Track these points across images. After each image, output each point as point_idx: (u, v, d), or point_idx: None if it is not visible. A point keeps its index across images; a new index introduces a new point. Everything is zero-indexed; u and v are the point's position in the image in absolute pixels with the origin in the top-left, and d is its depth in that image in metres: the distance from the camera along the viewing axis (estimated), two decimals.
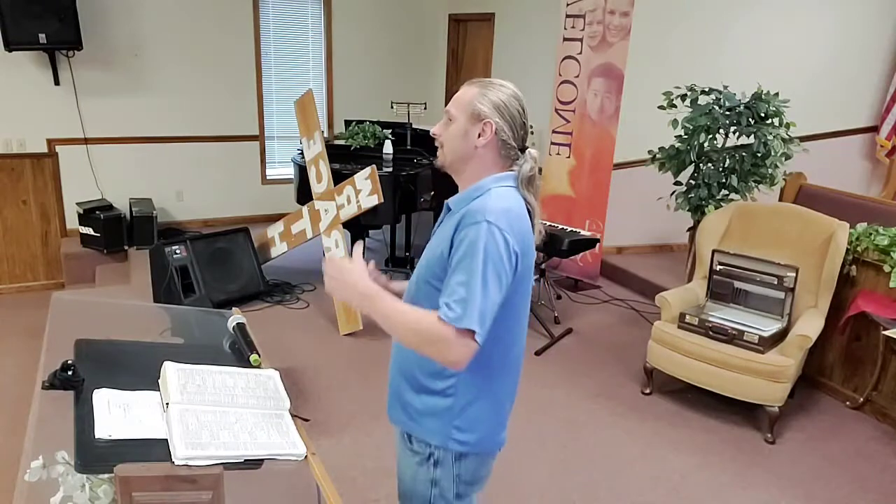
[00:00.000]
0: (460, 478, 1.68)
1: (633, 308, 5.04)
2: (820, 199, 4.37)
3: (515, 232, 1.49)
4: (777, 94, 4.32)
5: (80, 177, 5.76)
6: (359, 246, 1.60)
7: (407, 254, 5.67)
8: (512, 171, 1.59)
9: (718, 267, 3.79)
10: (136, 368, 1.67)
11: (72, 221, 5.75)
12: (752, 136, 4.26)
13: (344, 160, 4.92)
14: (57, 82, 5.50)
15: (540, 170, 1.63)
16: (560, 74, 5.29)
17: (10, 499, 1.40)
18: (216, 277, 4.65)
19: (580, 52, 5.14)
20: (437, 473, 1.67)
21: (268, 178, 6.68)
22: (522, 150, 1.59)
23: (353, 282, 1.51)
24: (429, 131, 1.72)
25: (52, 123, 5.59)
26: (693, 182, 4.53)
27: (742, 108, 4.29)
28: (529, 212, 1.60)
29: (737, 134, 4.38)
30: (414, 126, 5.68)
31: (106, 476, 1.37)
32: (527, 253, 1.54)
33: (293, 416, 1.64)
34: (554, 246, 4.32)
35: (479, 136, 1.55)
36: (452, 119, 1.58)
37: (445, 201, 1.63)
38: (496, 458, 1.79)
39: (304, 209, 4.69)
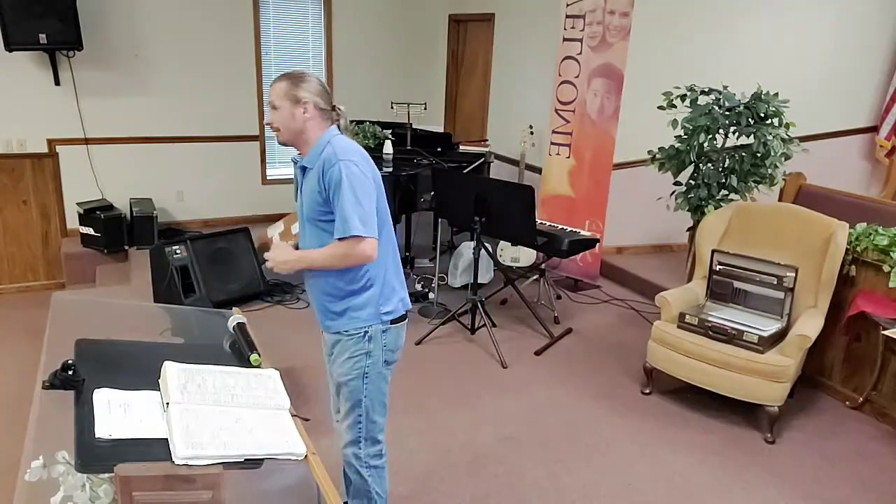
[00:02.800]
0: (386, 346, 2.26)
1: (633, 308, 5.05)
2: (820, 199, 4.37)
3: (360, 159, 2.12)
4: (777, 94, 4.32)
5: (81, 177, 5.77)
6: (274, 229, 2.15)
7: (407, 253, 5.67)
8: (335, 125, 2.21)
9: (718, 267, 3.79)
10: (137, 368, 1.67)
11: (72, 221, 5.75)
12: (752, 136, 4.26)
13: None
14: (57, 82, 5.51)
15: (350, 121, 2.32)
16: (560, 74, 5.29)
17: (10, 499, 1.40)
18: (216, 277, 4.65)
19: (580, 53, 5.14)
20: (369, 346, 2.22)
21: (268, 178, 6.68)
22: (333, 108, 2.20)
23: (286, 256, 2.16)
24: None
25: (52, 123, 5.59)
26: (693, 182, 4.53)
27: (742, 108, 4.29)
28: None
29: (736, 134, 4.38)
30: (414, 126, 5.68)
31: (106, 476, 1.37)
32: (374, 171, 2.18)
33: (293, 415, 1.64)
34: (554, 246, 4.32)
35: (304, 112, 2.12)
36: (278, 107, 2.12)
37: (300, 164, 2.22)
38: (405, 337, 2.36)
39: None
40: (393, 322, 2.26)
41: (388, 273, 2.26)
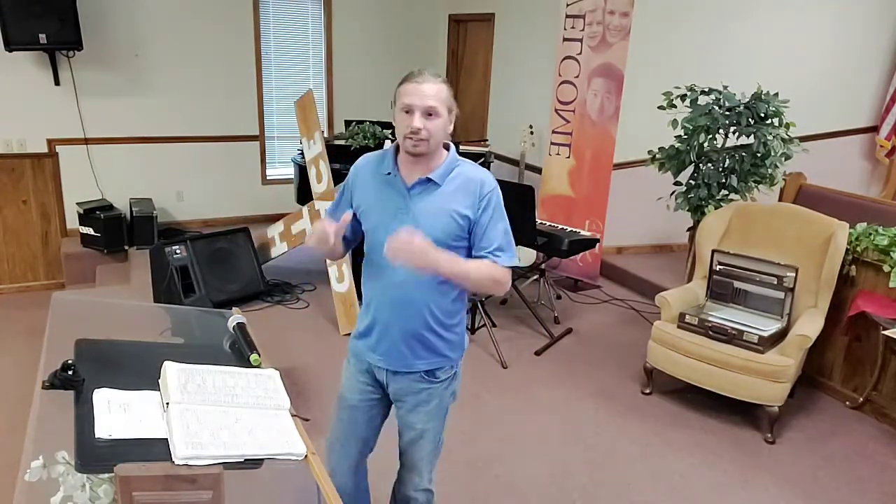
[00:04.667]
0: (459, 376, 2.10)
1: (633, 308, 5.05)
2: (820, 199, 4.37)
3: None
4: (777, 94, 4.32)
5: (81, 177, 5.76)
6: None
7: None
8: (448, 143, 1.94)
9: (718, 267, 3.79)
10: (136, 368, 1.67)
11: (72, 221, 5.75)
12: (752, 136, 4.26)
13: (344, 160, 4.92)
14: (57, 82, 5.50)
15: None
16: (560, 74, 5.29)
17: (10, 499, 1.40)
18: (216, 277, 4.65)
19: (580, 53, 5.14)
20: (455, 385, 2.08)
21: (268, 178, 6.68)
22: None
23: (428, 248, 1.74)
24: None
25: (52, 123, 5.59)
26: (693, 182, 4.53)
27: (742, 108, 4.29)
28: None
29: (736, 134, 4.37)
30: None
31: (106, 476, 1.37)
32: None
33: (293, 415, 1.64)
34: (554, 246, 4.32)
35: (452, 124, 1.89)
36: (436, 114, 1.81)
37: (428, 177, 1.88)
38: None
39: (304, 209, 4.69)
40: None
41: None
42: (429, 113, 1.79)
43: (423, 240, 1.72)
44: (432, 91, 1.80)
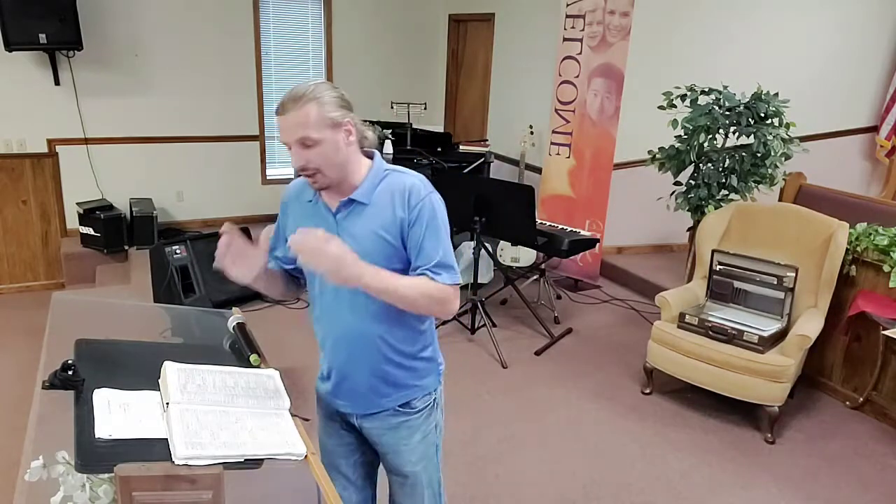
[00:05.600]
0: (440, 405, 1.88)
1: (633, 308, 5.05)
2: (820, 199, 4.37)
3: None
4: (777, 94, 4.32)
5: (81, 177, 5.76)
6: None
7: None
8: (371, 150, 1.71)
9: (718, 267, 3.79)
10: (136, 368, 1.67)
11: (72, 221, 5.75)
12: (752, 136, 4.26)
13: None
14: (57, 82, 5.50)
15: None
16: (560, 74, 5.29)
17: (11, 499, 1.40)
18: (216, 277, 4.62)
19: (580, 53, 5.14)
20: (437, 414, 1.85)
21: (268, 178, 6.67)
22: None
23: (343, 252, 1.53)
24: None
25: (52, 123, 5.59)
26: (693, 182, 4.53)
27: (742, 108, 4.29)
28: None
29: (737, 134, 4.37)
30: (414, 126, 5.68)
31: (106, 476, 1.37)
32: None
33: (293, 415, 1.64)
34: (554, 246, 4.32)
35: (348, 136, 1.61)
36: (313, 142, 1.56)
37: (350, 198, 1.66)
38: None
39: None
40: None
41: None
42: (305, 144, 1.56)
43: (341, 247, 1.53)
44: (295, 120, 1.55)
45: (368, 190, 1.66)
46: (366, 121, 1.81)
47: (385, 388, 1.76)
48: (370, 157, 1.71)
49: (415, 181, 1.66)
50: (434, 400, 1.83)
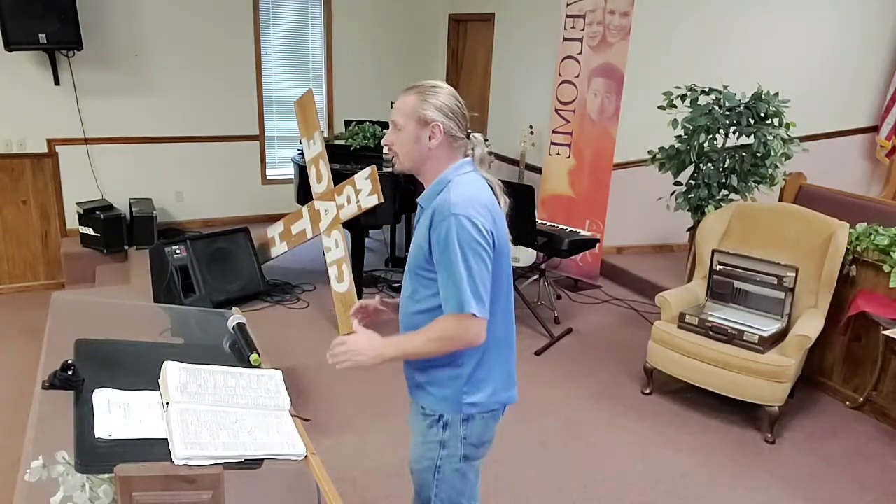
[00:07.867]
0: (467, 439, 1.80)
1: (633, 308, 5.04)
2: (820, 199, 4.37)
3: (482, 213, 1.66)
4: (777, 94, 4.32)
5: (80, 177, 5.76)
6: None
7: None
8: (467, 156, 1.77)
9: (718, 267, 3.79)
10: (136, 368, 1.67)
11: (72, 221, 5.75)
12: (752, 136, 4.26)
13: (344, 160, 4.92)
14: (57, 82, 5.50)
15: (490, 153, 1.85)
16: (560, 74, 5.29)
17: (11, 499, 1.40)
18: (216, 277, 4.65)
19: (580, 52, 5.14)
20: (445, 435, 1.80)
21: (268, 178, 6.67)
22: (467, 136, 1.77)
23: (371, 343, 1.67)
24: None
25: (52, 123, 5.59)
26: (693, 182, 4.53)
27: (742, 108, 4.29)
28: (492, 188, 1.78)
29: (737, 134, 4.38)
30: None
31: (106, 476, 1.37)
32: (498, 227, 1.73)
33: (293, 416, 1.64)
34: (554, 246, 4.32)
35: (431, 138, 1.70)
36: (400, 127, 1.72)
37: (417, 199, 1.80)
38: (499, 424, 1.91)
39: (304, 209, 4.69)
40: (482, 412, 1.81)
41: (491, 355, 1.79)
42: (395, 126, 1.74)
43: (356, 340, 1.67)
44: (398, 104, 1.74)
45: (428, 195, 1.75)
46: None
47: (412, 379, 1.84)
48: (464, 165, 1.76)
49: (448, 197, 1.66)
50: (440, 417, 1.79)
